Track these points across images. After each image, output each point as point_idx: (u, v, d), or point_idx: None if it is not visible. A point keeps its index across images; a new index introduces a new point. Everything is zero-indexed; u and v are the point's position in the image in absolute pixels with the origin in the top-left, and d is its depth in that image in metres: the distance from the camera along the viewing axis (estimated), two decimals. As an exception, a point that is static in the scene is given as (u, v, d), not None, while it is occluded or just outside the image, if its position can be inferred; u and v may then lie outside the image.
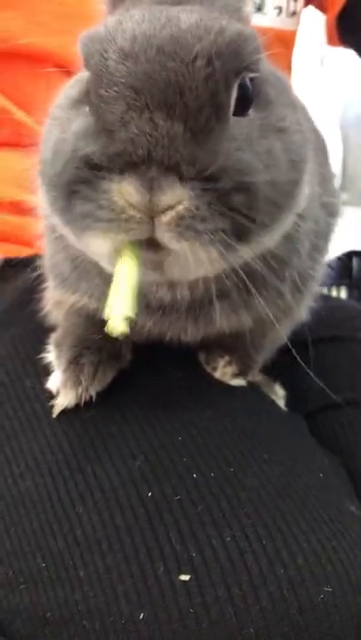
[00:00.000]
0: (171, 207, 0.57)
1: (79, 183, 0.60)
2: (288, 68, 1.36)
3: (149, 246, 0.60)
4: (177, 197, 0.57)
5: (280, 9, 1.32)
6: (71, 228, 0.64)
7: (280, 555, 0.67)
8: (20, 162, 1.13)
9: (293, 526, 0.70)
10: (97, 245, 0.62)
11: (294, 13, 1.36)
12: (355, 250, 2.02)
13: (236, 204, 0.59)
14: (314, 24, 1.49)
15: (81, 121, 0.63)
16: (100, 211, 0.58)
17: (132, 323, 0.60)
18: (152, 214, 0.57)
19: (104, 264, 0.65)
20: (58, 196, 0.63)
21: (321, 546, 0.69)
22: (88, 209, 0.59)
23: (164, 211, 0.57)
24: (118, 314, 0.60)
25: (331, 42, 1.45)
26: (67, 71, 1.13)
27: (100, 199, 0.58)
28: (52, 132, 0.67)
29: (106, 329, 0.60)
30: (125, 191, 0.57)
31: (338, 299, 1.57)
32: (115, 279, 0.61)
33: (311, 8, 1.45)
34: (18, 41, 1.11)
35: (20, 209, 1.14)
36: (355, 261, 2.07)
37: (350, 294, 1.95)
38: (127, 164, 0.56)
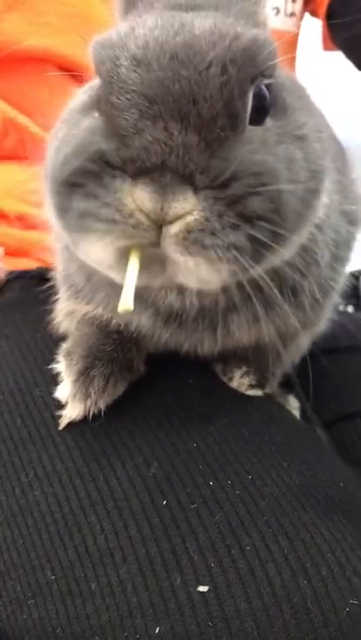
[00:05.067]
0: (180, 216, 0.55)
1: (85, 176, 0.57)
2: (292, 70, 1.35)
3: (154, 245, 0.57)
4: (189, 207, 0.54)
5: (278, 9, 1.33)
6: (67, 230, 0.60)
7: (303, 565, 0.64)
8: (25, 175, 1.14)
9: (317, 536, 0.66)
10: (96, 252, 0.59)
11: (293, 14, 1.36)
12: (362, 269, 2.00)
13: (254, 210, 0.56)
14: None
15: (91, 121, 0.61)
16: (105, 209, 0.56)
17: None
18: (161, 223, 0.55)
19: (106, 271, 0.62)
20: (57, 189, 0.60)
21: (345, 557, 0.65)
22: (89, 206, 0.57)
23: (173, 221, 0.55)
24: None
25: (326, 46, 1.45)
26: (70, 74, 1.14)
27: (107, 197, 0.56)
28: (59, 132, 0.65)
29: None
30: (138, 196, 0.54)
31: (350, 312, 1.56)
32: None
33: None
34: (22, 44, 1.09)
35: (25, 222, 1.14)
36: (362, 281, 2.05)
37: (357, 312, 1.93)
38: (140, 170, 0.54)
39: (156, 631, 0.61)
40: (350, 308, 2.03)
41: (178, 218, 0.55)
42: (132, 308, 0.57)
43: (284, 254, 0.63)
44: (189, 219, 0.55)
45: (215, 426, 0.78)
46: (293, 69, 1.36)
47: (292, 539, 0.66)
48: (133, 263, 0.58)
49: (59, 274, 0.87)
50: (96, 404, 0.78)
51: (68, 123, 0.65)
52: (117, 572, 0.65)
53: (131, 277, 0.58)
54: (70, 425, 0.78)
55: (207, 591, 0.62)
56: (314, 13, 1.42)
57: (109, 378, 0.79)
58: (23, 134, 1.17)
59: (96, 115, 0.61)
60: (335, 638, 0.61)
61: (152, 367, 0.84)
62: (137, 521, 0.68)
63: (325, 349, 0.96)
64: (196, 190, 0.54)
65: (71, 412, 0.78)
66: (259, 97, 0.60)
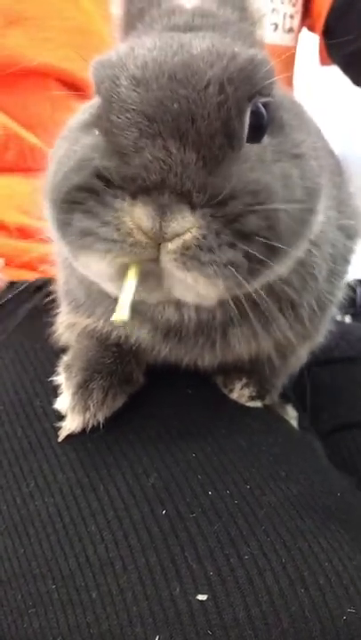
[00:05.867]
0: (178, 235, 0.56)
1: (85, 192, 0.58)
2: (289, 86, 1.37)
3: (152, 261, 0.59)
4: (186, 226, 0.56)
5: (276, 25, 1.35)
6: (68, 245, 0.61)
7: (301, 574, 0.65)
8: (25, 187, 1.15)
9: (314, 545, 0.67)
10: (96, 266, 0.60)
11: (291, 30, 1.38)
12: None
13: (251, 228, 0.57)
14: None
15: (91, 138, 0.62)
16: (104, 228, 0.57)
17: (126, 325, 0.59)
18: (159, 240, 0.56)
19: (105, 284, 0.64)
20: (58, 204, 0.61)
21: (343, 565, 0.66)
22: (89, 225, 0.58)
23: (171, 238, 0.56)
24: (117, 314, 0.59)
25: (323, 61, 1.46)
26: (70, 87, 1.15)
27: (107, 216, 0.57)
28: (60, 148, 0.66)
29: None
30: (137, 215, 0.56)
31: (347, 323, 1.57)
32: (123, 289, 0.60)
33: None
34: (24, 58, 1.11)
35: (25, 234, 1.15)
36: (359, 290, 2.06)
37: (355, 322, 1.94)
38: (140, 189, 0.56)
39: (156, 639, 0.62)
40: (348, 318, 2.03)
41: (176, 236, 0.56)
42: (127, 318, 0.58)
43: (280, 270, 0.64)
44: (187, 236, 0.56)
45: (214, 436, 0.79)
46: (291, 87, 1.38)
47: (289, 548, 0.67)
48: (132, 275, 0.59)
49: (60, 287, 0.88)
50: (95, 416, 0.78)
51: (69, 139, 0.66)
52: (117, 581, 0.66)
53: (128, 288, 0.59)
54: (70, 436, 0.79)
55: (206, 600, 0.63)
56: (311, 28, 1.44)
57: (108, 391, 0.80)
58: (24, 147, 1.18)
59: (96, 132, 0.62)
60: None
61: (152, 378, 0.85)
62: (137, 530, 0.69)
63: (323, 360, 0.97)
64: (193, 208, 0.56)
65: (70, 424, 0.79)
66: (256, 115, 0.61)
